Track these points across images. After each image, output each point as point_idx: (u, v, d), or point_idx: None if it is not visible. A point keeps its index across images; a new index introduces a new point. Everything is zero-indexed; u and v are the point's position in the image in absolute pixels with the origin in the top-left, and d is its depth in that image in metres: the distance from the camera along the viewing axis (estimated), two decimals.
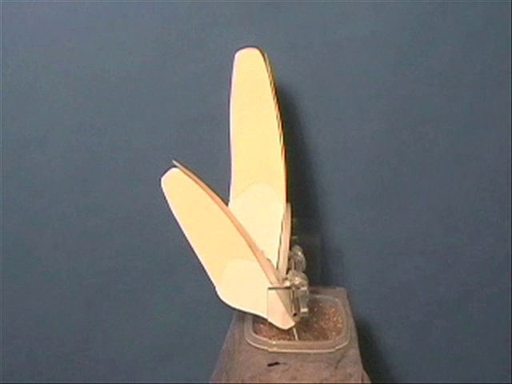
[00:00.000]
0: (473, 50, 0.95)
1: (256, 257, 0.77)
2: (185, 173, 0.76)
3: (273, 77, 0.79)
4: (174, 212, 0.77)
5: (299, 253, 0.82)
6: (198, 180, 0.78)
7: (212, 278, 0.78)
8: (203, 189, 0.76)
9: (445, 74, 0.96)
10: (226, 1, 0.91)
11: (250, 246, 0.76)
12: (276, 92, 0.80)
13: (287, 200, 0.82)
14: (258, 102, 0.78)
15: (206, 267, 0.78)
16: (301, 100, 0.96)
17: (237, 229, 0.76)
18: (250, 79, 0.78)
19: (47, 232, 1.00)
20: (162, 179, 0.77)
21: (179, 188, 0.76)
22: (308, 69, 0.95)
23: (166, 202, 0.98)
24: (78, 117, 0.95)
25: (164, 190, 0.77)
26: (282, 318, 0.78)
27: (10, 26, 0.91)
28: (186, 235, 0.77)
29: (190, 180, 0.76)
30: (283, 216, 0.81)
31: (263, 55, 0.78)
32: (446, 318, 1.06)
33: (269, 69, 0.79)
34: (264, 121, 0.79)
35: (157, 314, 1.04)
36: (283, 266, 0.79)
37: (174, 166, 0.77)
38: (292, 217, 0.87)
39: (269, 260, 0.78)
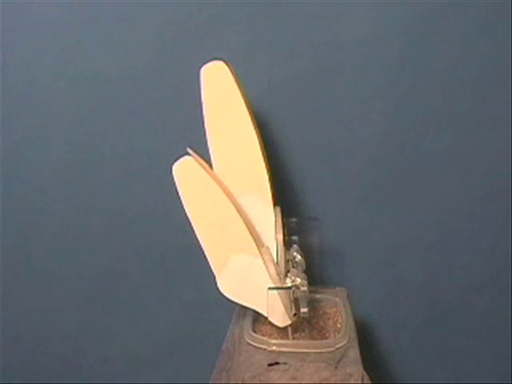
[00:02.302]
0: (473, 50, 0.95)
1: (259, 250, 0.77)
2: (197, 161, 0.76)
3: (242, 85, 0.80)
4: (182, 199, 0.77)
5: (298, 253, 0.82)
6: (210, 169, 0.78)
7: (213, 269, 0.78)
8: (214, 179, 0.77)
9: (445, 74, 0.96)
10: (224, 1, 0.92)
11: (254, 240, 0.77)
12: (247, 100, 0.80)
13: (275, 203, 0.83)
14: (231, 113, 0.79)
15: (208, 257, 0.78)
16: (301, 100, 0.97)
17: (244, 222, 0.77)
18: (220, 91, 0.79)
19: (47, 233, 1.00)
20: (174, 165, 0.76)
21: (190, 175, 0.76)
22: (307, 69, 0.95)
23: (166, 203, 0.98)
24: (75, 118, 0.96)
25: (175, 176, 0.76)
26: (280, 316, 0.78)
27: (9, 26, 0.92)
28: (192, 224, 0.77)
29: (202, 169, 0.76)
30: (274, 219, 0.82)
31: (228, 66, 0.79)
32: (446, 318, 1.06)
33: (236, 78, 0.79)
34: (241, 131, 0.79)
35: (157, 314, 1.04)
36: (281, 264, 0.79)
37: (187, 154, 0.77)
38: (291, 217, 0.87)
39: (271, 254, 0.79)
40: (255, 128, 0.80)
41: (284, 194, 0.99)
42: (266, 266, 0.77)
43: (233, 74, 0.79)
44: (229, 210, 0.76)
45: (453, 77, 0.96)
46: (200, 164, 0.76)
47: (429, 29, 0.94)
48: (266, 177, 0.80)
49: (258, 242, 0.79)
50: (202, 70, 0.79)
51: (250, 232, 0.77)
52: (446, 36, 0.94)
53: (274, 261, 0.79)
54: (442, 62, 0.95)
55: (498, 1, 0.93)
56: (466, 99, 0.97)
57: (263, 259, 0.77)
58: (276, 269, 0.78)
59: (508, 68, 0.95)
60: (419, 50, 0.95)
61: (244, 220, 0.77)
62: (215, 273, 0.79)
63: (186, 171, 0.76)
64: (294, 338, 0.79)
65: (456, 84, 0.96)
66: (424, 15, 0.93)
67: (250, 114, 0.80)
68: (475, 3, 0.93)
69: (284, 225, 0.87)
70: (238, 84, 0.79)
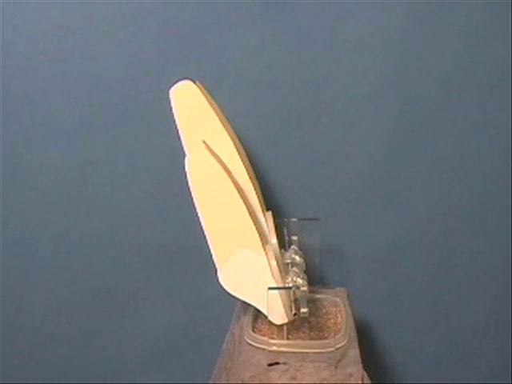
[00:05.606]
0: (473, 50, 0.95)
1: (263, 247, 0.78)
2: (212, 154, 0.77)
3: (213, 102, 0.81)
4: (192, 190, 0.76)
5: (297, 254, 0.82)
6: (223, 163, 0.78)
7: (216, 262, 0.79)
8: (227, 172, 0.77)
9: (444, 75, 0.96)
10: (226, 1, 0.92)
11: (259, 237, 0.77)
12: (221, 116, 0.81)
13: (266, 209, 0.84)
14: (207, 130, 0.79)
15: (212, 250, 0.78)
16: (302, 101, 0.97)
17: (251, 218, 0.77)
18: (192, 110, 0.79)
19: (47, 234, 1.00)
20: (187, 157, 0.76)
21: (203, 167, 0.76)
22: (308, 69, 0.95)
23: (166, 203, 0.99)
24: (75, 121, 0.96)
25: (188, 167, 0.76)
26: (278, 315, 0.78)
27: (10, 27, 0.92)
28: (199, 215, 0.77)
29: (216, 161, 0.76)
30: (267, 224, 0.83)
31: (196, 84, 0.79)
32: (446, 318, 1.06)
33: (206, 94, 0.80)
34: (220, 146, 0.79)
35: (157, 314, 1.04)
36: (279, 263, 0.80)
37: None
38: (291, 217, 0.88)
39: (274, 251, 0.80)
40: (233, 140, 0.81)
41: (285, 195, 0.99)
42: (269, 263, 0.77)
43: (202, 91, 0.79)
44: (237, 205, 0.76)
45: (452, 78, 0.96)
46: (214, 157, 0.76)
47: (429, 30, 0.94)
48: (252, 187, 0.81)
49: (263, 239, 0.79)
50: (171, 91, 0.79)
51: (256, 229, 0.77)
52: (447, 37, 0.94)
53: (277, 258, 0.79)
54: (444, 63, 0.95)
55: (498, 1, 0.93)
56: (465, 100, 0.97)
57: (267, 256, 0.77)
58: (279, 266, 0.78)
59: (508, 68, 0.95)
60: (419, 52, 0.95)
61: (251, 216, 0.77)
62: (217, 265, 0.79)
63: (200, 163, 0.76)
64: (290, 338, 0.79)
65: (456, 85, 0.96)
66: (424, 16, 0.93)
67: (226, 127, 0.80)
68: (475, 3, 0.93)
69: (284, 225, 0.87)
70: (208, 100, 0.79)
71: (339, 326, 0.82)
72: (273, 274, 0.77)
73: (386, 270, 1.04)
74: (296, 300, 0.76)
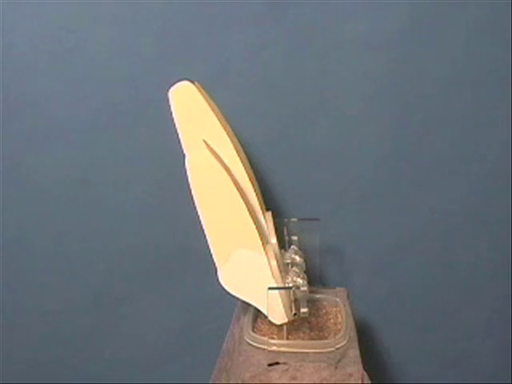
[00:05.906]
0: (474, 50, 0.95)
1: (264, 247, 0.78)
2: (212, 153, 0.77)
3: (212, 102, 0.81)
4: (192, 188, 0.76)
5: (297, 254, 0.82)
6: (223, 162, 0.78)
7: (216, 261, 0.79)
8: (227, 172, 0.77)
9: (446, 75, 0.96)
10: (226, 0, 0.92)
11: (260, 237, 0.77)
12: (220, 116, 0.81)
13: (266, 209, 0.84)
14: (206, 130, 0.80)
15: (212, 250, 0.78)
16: (301, 100, 0.97)
17: (251, 218, 0.77)
18: (191, 111, 0.80)
19: (48, 234, 1.00)
20: (188, 155, 0.77)
21: (204, 166, 0.76)
22: (309, 68, 0.95)
23: (166, 203, 0.99)
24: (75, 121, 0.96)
25: (188, 166, 0.76)
26: (278, 314, 0.78)
27: (10, 27, 0.92)
28: (199, 214, 0.77)
29: (216, 161, 0.76)
30: (267, 225, 0.83)
31: (194, 84, 0.79)
32: (446, 318, 1.06)
33: (205, 95, 0.80)
34: (220, 146, 0.80)
35: (157, 314, 1.04)
36: (279, 263, 0.80)
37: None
38: (292, 217, 0.88)
39: (275, 251, 0.80)
40: (233, 140, 0.81)
41: (285, 195, 0.99)
42: (269, 263, 0.77)
43: (201, 91, 0.79)
44: (237, 204, 0.77)
45: (453, 78, 0.96)
46: (214, 156, 0.76)
47: (429, 30, 0.94)
48: (252, 187, 0.81)
49: (263, 239, 0.79)
50: (170, 92, 0.79)
51: (257, 228, 0.77)
52: (446, 37, 0.94)
53: (276, 258, 0.79)
54: (443, 64, 0.95)
55: (498, 1, 0.93)
56: (466, 100, 0.97)
57: (267, 256, 0.77)
58: (279, 266, 0.78)
59: (508, 68, 0.95)
60: (419, 52, 0.95)
61: (251, 216, 0.77)
62: (217, 265, 0.79)
63: (200, 162, 0.76)
64: (290, 338, 0.79)
65: (456, 85, 0.96)
66: (425, 16, 0.94)
67: (226, 128, 0.80)
68: (476, 4, 0.93)
69: (284, 225, 0.87)
70: (207, 101, 0.79)
71: (339, 326, 0.82)
72: (273, 274, 0.77)
73: (386, 270, 1.04)
74: (296, 300, 0.76)
